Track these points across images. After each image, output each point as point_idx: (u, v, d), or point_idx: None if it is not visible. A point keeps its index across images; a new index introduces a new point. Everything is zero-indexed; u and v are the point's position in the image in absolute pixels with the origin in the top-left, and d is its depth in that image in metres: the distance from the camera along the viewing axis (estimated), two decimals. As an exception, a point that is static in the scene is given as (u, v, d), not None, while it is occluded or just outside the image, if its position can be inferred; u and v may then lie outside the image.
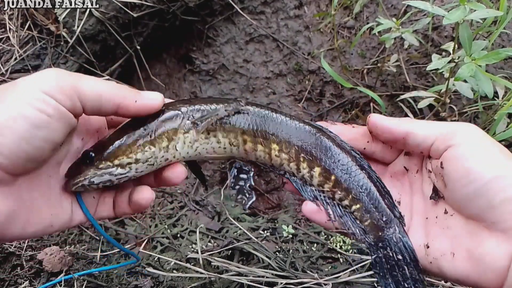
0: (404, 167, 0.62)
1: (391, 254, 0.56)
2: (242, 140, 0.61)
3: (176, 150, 0.60)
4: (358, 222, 0.60)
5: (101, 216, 0.62)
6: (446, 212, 0.54)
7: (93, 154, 0.57)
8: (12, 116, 0.45)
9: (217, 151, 0.62)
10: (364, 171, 0.60)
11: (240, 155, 0.63)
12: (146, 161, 0.58)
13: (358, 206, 0.59)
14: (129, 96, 0.53)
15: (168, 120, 0.59)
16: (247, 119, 0.61)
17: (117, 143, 0.57)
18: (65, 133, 0.51)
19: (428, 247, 0.55)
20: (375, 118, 0.59)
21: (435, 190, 0.56)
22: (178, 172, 0.61)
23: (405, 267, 0.55)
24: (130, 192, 0.61)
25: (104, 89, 0.51)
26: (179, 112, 0.59)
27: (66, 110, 0.48)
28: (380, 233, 0.58)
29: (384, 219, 0.58)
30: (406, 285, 0.54)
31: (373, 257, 0.58)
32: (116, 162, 0.57)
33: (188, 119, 0.59)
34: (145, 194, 0.60)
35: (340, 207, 0.61)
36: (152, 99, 0.55)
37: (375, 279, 1.00)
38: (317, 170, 0.60)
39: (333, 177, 0.60)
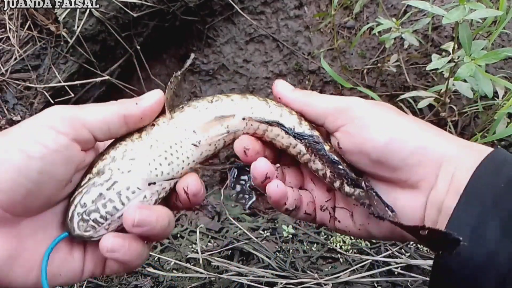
0: None
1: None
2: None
3: (148, 135, 0.54)
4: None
5: (112, 270, 0.55)
6: None
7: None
8: (9, 149, 0.44)
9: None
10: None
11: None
12: (123, 156, 0.52)
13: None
14: (130, 103, 0.51)
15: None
16: None
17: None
18: (69, 168, 0.47)
19: (353, 217, 0.57)
20: (280, 88, 0.58)
21: None
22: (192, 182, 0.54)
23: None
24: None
25: (105, 108, 0.50)
26: None
27: (69, 140, 0.46)
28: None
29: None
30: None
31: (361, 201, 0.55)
32: (94, 170, 0.51)
33: None
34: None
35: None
36: (151, 96, 0.53)
37: (375, 279, 1.00)
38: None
39: None
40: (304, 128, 0.57)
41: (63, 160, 0.46)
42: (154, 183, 0.53)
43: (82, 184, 0.51)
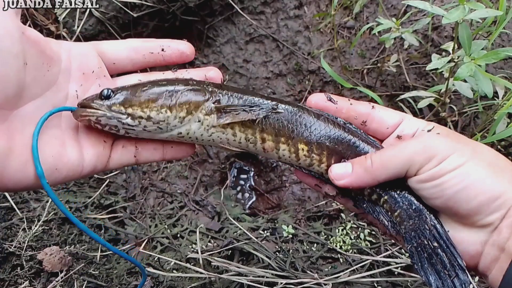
0: None
1: (426, 243, 0.54)
2: (260, 137, 0.60)
3: (191, 127, 0.59)
4: (389, 214, 0.58)
5: (121, 163, 0.61)
6: None
7: (111, 93, 0.56)
8: None
9: (232, 143, 0.61)
10: None
11: (257, 151, 0.62)
12: (157, 122, 0.57)
13: (386, 197, 0.58)
14: None
15: (195, 93, 0.59)
16: (271, 119, 0.60)
17: (138, 93, 0.57)
18: (14, 38, 0.47)
19: None
20: (341, 174, 0.58)
21: None
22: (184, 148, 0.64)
23: (443, 254, 0.53)
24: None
25: None
26: (207, 92, 0.59)
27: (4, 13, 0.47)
28: (411, 222, 0.56)
29: (413, 207, 0.57)
30: (447, 273, 0.52)
31: (408, 247, 0.56)
32: (129, 110, 0.56)
33: (213, 103, 0.59)
34: None
35: (370, 201, 0.61)
36: None
37: (375, 279, 1.00)
38: None
39: None
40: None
41: (5, 31, 0.46)
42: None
43: (112, 108, 0.56)
